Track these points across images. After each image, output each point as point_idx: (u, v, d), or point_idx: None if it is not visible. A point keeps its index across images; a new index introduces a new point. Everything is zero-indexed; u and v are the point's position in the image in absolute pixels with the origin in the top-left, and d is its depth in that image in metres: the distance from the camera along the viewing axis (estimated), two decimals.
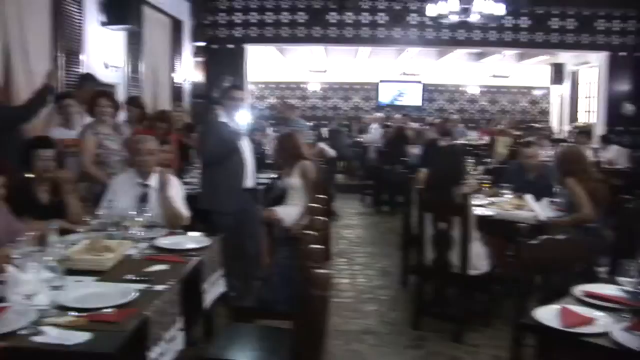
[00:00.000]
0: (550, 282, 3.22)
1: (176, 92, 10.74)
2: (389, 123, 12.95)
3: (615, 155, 9.80)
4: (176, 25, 10.75)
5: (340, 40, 12.39)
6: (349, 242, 8.27)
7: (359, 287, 6.31)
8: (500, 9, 9.55)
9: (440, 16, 9.99)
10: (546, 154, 7.87)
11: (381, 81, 17.94)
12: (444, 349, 4.68)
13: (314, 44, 13.48)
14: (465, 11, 9.45)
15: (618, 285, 2.90)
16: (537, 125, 15.12)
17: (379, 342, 4.87)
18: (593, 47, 12.50)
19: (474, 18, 9.78)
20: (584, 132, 10.01)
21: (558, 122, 16.25)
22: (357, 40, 12.52)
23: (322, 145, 9.90)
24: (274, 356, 3.35)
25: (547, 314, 2.70)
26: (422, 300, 5.11)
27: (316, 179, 5.65)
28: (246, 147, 5.59)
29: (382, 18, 12.16)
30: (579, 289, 2.99)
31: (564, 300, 2.92)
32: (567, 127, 14.85)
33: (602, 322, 2.62)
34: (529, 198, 5.28)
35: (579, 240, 3.43)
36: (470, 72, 17.73)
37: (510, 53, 15.96)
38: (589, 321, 2.63)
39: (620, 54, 12.41)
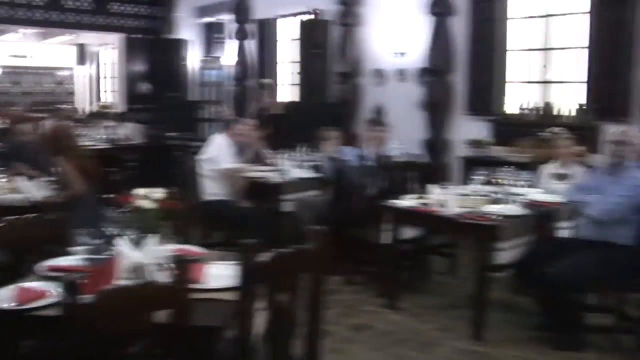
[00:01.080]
0: (22, 262, 3.19)
1: None
2: None
3: (131, 131, 10.20)
4: None
5: None
6: None
7: None
8: None
9: None
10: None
11: None
12: None
13: None
14: None
15: (75, 255, 3.01)
16: (63, 106, 14.95)
17: None
18: (108, 28, 12.84)
19: None
20: (100, 112, 10.23)
21: (84, 102, 16.31)
22: None
23: None
24: None
25: (2, 296, 2.66)
26: None
27: None
28: None
29: None
30: (43, 265, 3.02)
31: (28, 278, 2.92)
32: (93, 107, 15.03)
33: (56, 292, 2.68)
34: (19, 180, 5.15)
35: (48, 219, 3.46)
36: None
37: (30, 32, 15.31)
38: (42, 295, 2.67)
39: (135, 36, 12.96)
